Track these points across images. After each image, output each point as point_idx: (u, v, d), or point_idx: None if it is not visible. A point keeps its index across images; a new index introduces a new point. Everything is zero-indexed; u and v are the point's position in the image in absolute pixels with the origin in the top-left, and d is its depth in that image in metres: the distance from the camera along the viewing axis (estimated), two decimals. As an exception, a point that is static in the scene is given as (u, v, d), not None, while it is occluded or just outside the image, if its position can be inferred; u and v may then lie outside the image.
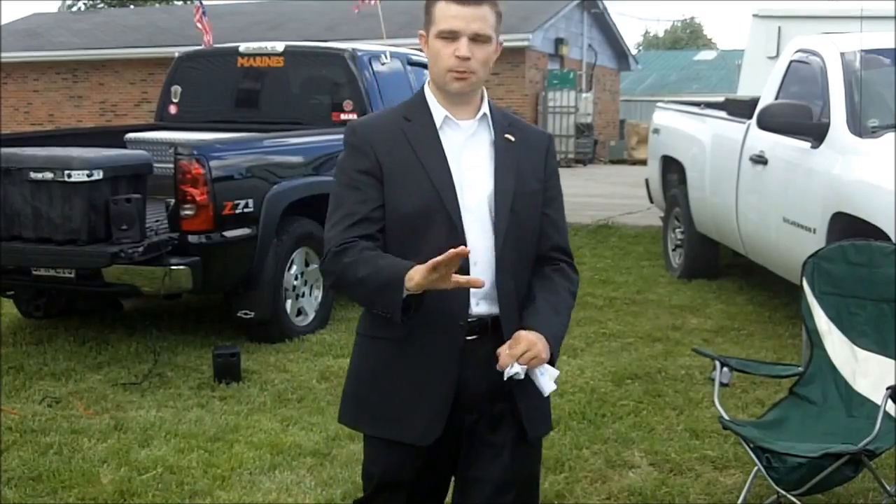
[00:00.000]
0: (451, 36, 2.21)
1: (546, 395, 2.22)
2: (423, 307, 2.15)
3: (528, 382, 2.21)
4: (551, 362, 2.21)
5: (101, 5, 37.12)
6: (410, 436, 2.28)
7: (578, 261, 2.30)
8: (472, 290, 2.21)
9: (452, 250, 2.01)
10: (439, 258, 2.01)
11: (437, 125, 2.29)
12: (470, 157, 2.29)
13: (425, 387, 2.25)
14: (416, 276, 2.06)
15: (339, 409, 2.47)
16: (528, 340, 2.15)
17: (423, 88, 2.35)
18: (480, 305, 2.26)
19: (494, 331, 2.26)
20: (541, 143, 2.39)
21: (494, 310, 2.27)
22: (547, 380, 2.20)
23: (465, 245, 2.12)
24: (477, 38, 2.21)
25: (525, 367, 2.14)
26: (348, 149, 2.33)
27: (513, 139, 2.32)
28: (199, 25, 10.27)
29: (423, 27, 2.30)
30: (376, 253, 2.20)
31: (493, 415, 2.31)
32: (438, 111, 2.29)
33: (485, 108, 2.32)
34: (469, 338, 2.25)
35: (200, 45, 9.95)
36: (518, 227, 2.27)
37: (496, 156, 2.29)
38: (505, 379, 2.16)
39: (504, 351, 2.16)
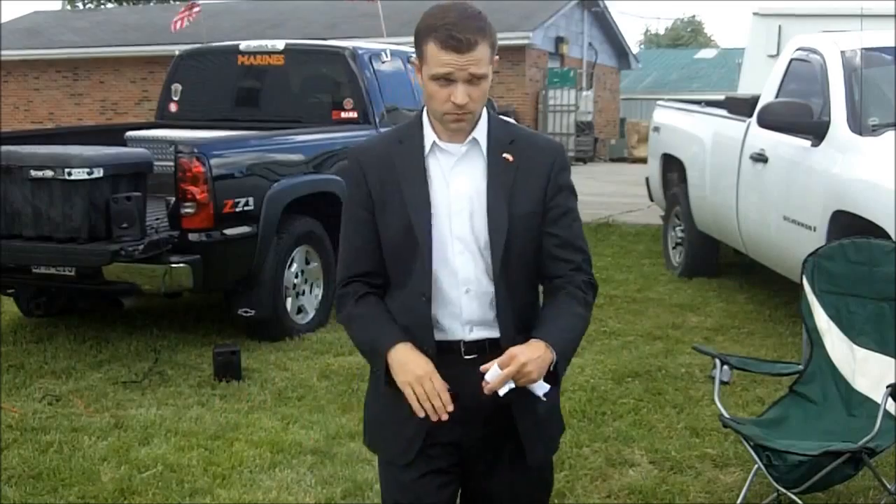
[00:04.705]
0: (445, 79, 2.10)
1: (540, 396, 2.15)
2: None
3: (528, 404, 2.17)
4: (555, 377, 2.14)
5: (105, 3, 36.98)
6: (391, 455, 2.29)
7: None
8: (465, 316, 2.21)
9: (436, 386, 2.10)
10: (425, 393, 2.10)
11: (426, 150, 2.21)
12: (461, 182, 2.21)
13: (398, 409, 2.19)
14: (407, 362, 2.13)
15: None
16: (520, 363, 2.06)
17: (422, 109, 2.25)
18: (475, 332, 2.22)
19: (494, 353, 2.16)
20: (545, 160, 2.24)
21: (493, 334, 2.22)
22: (538, 389, 2.14)
23: (430, 276, 2.16)
24: (473, 80, 2.10)
25: (512, 385, 2.08)
26: (347, 179, 2.32)
27: (511, 159, 2.21)
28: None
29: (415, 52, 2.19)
30: (370, 311, 2.22)
31: (491, 435, 2.26)
32: (429, 135, 2.21)
33: (477, 132, 2.21)
34: (467, 357, 2.21)
35: (200, 42, 9.99)
36: (513, 252, 2.19)
37: (489, 179, 2.20)
38: (502, 395, 2.08)
39: (491, 370, 2.08)
